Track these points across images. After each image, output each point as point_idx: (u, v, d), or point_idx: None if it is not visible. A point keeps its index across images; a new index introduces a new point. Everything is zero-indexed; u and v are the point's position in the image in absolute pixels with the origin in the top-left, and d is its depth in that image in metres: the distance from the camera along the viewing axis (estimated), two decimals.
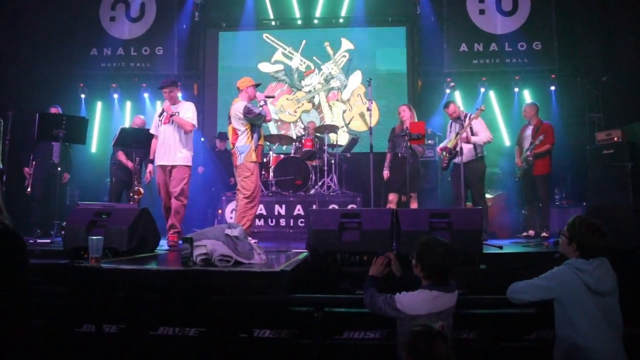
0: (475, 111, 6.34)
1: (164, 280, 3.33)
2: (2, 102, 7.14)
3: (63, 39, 9.36)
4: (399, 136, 6.60)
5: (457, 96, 8.88)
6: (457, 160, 6.29)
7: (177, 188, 5.54)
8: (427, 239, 2.89)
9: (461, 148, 6.11)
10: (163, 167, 5.64)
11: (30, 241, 5.75)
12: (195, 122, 5.75)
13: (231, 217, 7.50)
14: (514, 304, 2.94)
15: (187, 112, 5.72)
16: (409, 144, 5.89)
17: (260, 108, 5.75)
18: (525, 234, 6.69)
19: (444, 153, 6.57)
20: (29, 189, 6.77)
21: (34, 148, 6.90)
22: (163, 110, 5.77)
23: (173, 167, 5.60)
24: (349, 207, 7.37)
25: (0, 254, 2.14)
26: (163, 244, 5.31)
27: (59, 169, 6.59)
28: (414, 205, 6.53)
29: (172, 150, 5.60)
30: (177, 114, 5.67)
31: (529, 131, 6.77)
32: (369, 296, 2.94)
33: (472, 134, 6.28)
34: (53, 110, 7.03)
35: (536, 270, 3.74)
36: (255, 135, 5.75)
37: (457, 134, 6.32)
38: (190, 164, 5.72)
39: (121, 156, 7.21)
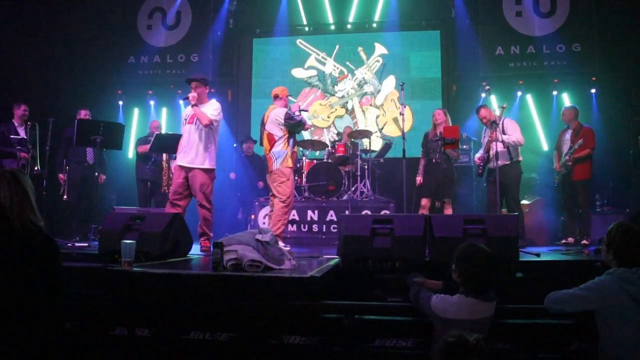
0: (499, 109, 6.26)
1: (195, 285, 3.35)
2: (42, 109, 7.35)
3: (102, 48, 9.61)
4: (432, 141, 6.51)
5: (493, 100, 8.68)
6: (491, 165, 6.15)
7: (199, 195, 5.38)
8: (467, 245, 2.85)
9: (496, 152, 5.97)
10: (182, 167, 5.46)
11: (69, 244, 5.90)
12: (215, 118, 5.45)
13: (264, 223, 7.52)
14: (552, 315, 2.83)
15: (209, 108, 5.52)
16: (442, 149, 5.77)
17: (300, 116, 5.84)
18: (564, 241, 6.48)
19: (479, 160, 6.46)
20: (65, 196, 6.81)
21: (66, 153, 7.02)
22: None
23: (192, 169, 5.40)
24: (382, 212, 7.29)
25: (35, 255, 2.21)
26: (196, 249, 5.35)
27: (96, 173, 6.72)
28: (448, 211, 6.43)
29: (192, 152, 5.41)
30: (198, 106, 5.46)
31: (568, 135, 6.56)
32: (415, 290, 3.05)
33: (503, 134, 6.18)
34: (82, 112, 7.15)
35: (576, 280, 3.60)
36: (291, 141, 5.86)
37: (489, 140, 6.20)
38: (211, 167, 5.50)
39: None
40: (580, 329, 2.99)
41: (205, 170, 5.42)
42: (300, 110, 6.46)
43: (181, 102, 5.86)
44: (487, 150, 6.20)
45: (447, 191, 6.46)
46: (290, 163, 5.73)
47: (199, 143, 5.41)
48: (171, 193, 5.54)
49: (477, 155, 6.71)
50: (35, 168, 6.49)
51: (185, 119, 5.61)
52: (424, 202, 6.59)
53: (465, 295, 2.76)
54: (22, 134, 6.61)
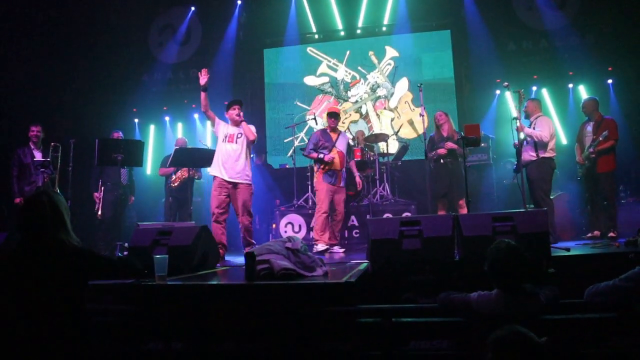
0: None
1: (229, 295, 3.35)
2: (62, 130, 7.45)
3: (116, 67, 9.73)
4: (439, 142, 6.57)
5: (508, 96, 8.64)
6: (525, 161, 6.16)
7: (242, 209, 5.75)
8: (498, 243, 2.85)
9: (519, 148, 5.98)
10: (224, 182, 5.76)
11: None
12: (256, 135, 5.95)
13: (285, 232, 7.53)
14: (592, 309, 2.79)
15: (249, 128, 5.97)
16: (464, 147, 5.73)
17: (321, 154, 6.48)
18: (590, 235, 6.39)
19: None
20: (99, 213, 7.00)
21: (101, 173, 7.15)
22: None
23: (236, 184, 5.76)
24: (404, 215, 7.25)
25: (70, 270, 2.27)
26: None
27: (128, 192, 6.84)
28: (463, 211, 6.39)
29: (236, 168, 5.76)
30: (239, 129, 5.89)
31: (589, 127, 6.49)
32: (445, 294, 3.06)
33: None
34: (115, 135, 7.31)
35: (610, 273, 3.55)
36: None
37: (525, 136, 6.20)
38: (252, 182, 5.93)
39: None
40: (623, 323, 2.93)
41: (248, 185, 5.84)
42: (314, 118, 6.62)
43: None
44: (520, 146, 6.17)
45: (459, 191, 6.45)
46: (317, 177, 6.51)
47: (241, 159, 5.81)
48: (215, 209, 5.78)
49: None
50: (55, 190, 6.55)
51: (225, 138, 5.88)
52: (440, 205, 6.61)
53: (503, 292, 2.76)
54: (38, 156, 6.67)
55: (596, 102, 6.55)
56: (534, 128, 6.18)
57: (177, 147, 7.29)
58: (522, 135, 6.23)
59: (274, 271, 3.41)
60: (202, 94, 5.76)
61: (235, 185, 5.75)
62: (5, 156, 7.00)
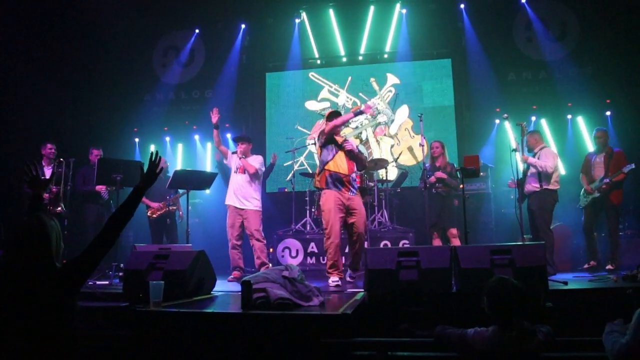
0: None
1: (224, 324, 3.32)
2: (62, 149, 7.45)
3: (118, 86, 9.80)
4: (431, 172, 6.66)
5: (507, 126, 8.69)
6: (527, 192, 6.23)
7: (255, 232, 6.29)
8: (496, 280, 2.85)
9: (521, 178, 6.07)
10: (237, 209, 6.35)
11: (90, 283, 5.88)
12: (259, 167, 6.48)
13: (282, 256, 7.51)
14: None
15: (255, 161, 6.53)
16: (460, 176, 5.78)
17: None
18: (586, 266, 6.37)
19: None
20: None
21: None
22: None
23: (246, 211, 6.33)
24: (401, 243, 7.26)
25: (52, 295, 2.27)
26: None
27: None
28: (455, 241, 6.39)
29: (245, 197, 6.36)
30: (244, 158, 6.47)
31: (599, 158, 6.51)
32: (441, 327, 3.05)
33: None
34: (94, 152, 7.24)
35: (607, 309, 3.53)
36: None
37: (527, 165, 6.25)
38: (260, 209, 6.47)
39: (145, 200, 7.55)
40: None
41: (257, 211, 6.41)
42: (315, 142, 6.74)
43: (231, 153, 6.73)
44: (523, 177, 6.25)
45: (450, 220, 6.53)
46: (321, 182, 5.64)
47: (249, 188, 6.41)
48: (231, 236, 6.35)
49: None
50: (59, 208, 6.53)
51: (237, 169, 6.51)
52: (434, 234, 6.64)
53: (500, 328, 2.75)
54: (48, 172, 6.66)
55: (607, 133, 6.63)
56: (538, 158, 6.21)
57: (176, 169, 7.28)
58: (524, 166, 6.26)
59: (270, 300, 3.38)
60: (215, 131, 6.52)
61: (246, 211, 6.32)
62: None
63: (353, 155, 5.66)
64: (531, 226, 6.32)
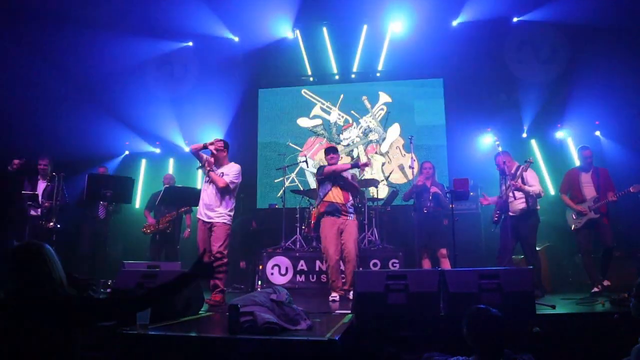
0: (524, 163, 6.19)
1: (211, 348, 3.30)
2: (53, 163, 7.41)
3: (110, 99, 9.76)
4: (422, 192, 6.67)
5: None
6: (511, 212, 6.16)
7: (216, 248, 5.58)
8: (476, 311, 2.83)
9: (512, 200, 6.04)
10: (203, 222, 5.77)
11: None
12: (231, 180, 5.76)
13: (272, 274, 7.47)
14: None
15: (230, 171, 5.85)
16: (452, 201, 5.79)
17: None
18: (595, 289, 5.97)
19: (495, 207, 6.38)
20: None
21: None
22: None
23: (212, 224, 5.69)
24: (391, 262, 7.26)
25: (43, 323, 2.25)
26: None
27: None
28: (445, 261, 6.40)
29: (212, 208, 5.73)
30: (215, 170, 5.82)
31: (587, 177, 6.38)
32: (428, 355, 3.01)
33: (524, 184, 6.17)
34: (101, 170, 7.31)
35: (593, 333, 3.54)
36: (317, 198, 6.46)
37: (508, 186, 6.07)
38: (229, 222, 5.77)
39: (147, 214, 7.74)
40: None
41: (224, 225, 5.70)
42: (306, 160, 7.38)
43: (198, 169, 6.14)
44: (506, 198, 6.16)
45: (440, 240, 6.52)
46: (321, 226, 6.34)
47: (218, 200, 5.74)
48: (200, 248, 5.79)
49: (491, 199, 6.46)
50: (50, 223, 6.49)
51: (207, 179, 5.87)
52: (424, 255, 6.66)
53: (481, 358, 2.74)
54: (42, 186, 6.81)
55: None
56: (523, 182, 6.17)
57: (167, 186, 7.28)
58: (504, 188, 6.19)
59: (258, 324, 3.36)
60: (201, 146, 5.82)
61: (211, 224, 5.71)
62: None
63: (348, 186, 6.30)
64: (522, 246, 6.25)
